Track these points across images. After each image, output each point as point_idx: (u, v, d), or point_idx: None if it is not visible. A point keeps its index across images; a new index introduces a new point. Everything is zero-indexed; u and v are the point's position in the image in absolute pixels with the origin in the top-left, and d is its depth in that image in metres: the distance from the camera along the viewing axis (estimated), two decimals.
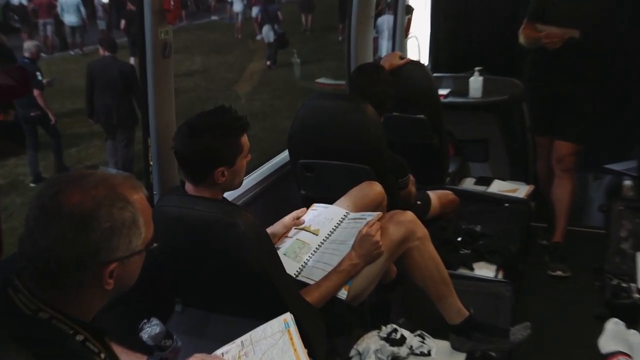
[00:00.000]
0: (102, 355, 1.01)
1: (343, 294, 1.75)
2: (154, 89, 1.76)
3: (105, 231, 0.96)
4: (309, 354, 1.36)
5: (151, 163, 1.82)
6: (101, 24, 10.96)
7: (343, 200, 2.05)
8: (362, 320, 1.85)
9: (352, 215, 1.97)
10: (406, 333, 1.88)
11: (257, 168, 2.53)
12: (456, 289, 1.97)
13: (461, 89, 3.44)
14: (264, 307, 1.48)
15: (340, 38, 10.36)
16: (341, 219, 1.96)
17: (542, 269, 2.92)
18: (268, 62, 9.46)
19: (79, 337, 0.98)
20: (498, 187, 3.09)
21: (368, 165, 2.15)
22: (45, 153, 5.48)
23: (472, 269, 2.41)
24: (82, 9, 9.71)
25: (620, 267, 2.50)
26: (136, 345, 1.30)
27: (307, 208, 2.05)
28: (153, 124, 1.79)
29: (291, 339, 1.36)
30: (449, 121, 2.98)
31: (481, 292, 2.23)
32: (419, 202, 2.51)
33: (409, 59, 2.84)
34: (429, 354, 1.85)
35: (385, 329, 1.89)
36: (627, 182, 3.12)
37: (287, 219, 1.98)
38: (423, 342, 1.87)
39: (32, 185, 5.14)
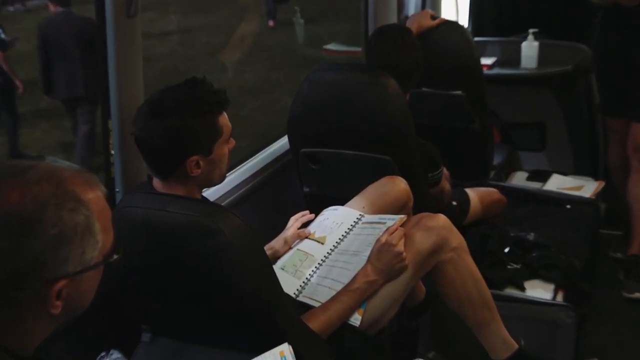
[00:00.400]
0: None
1: (356, 319, 1.75)
2: (116, 57, 1.76)
3: (52, 239, 0.96)
4: None
5: (112, 152, 1.83)
6: None
7: (357, 199, 2.05)
8: (380, 353, 1.85)
9: (369, 218, 1.97)
10: None
11: (247, 159, 2.54)
12: (502, 314, 1.97)
13: (511, 57, 3.43)
14: (255, 336, 1.49)
15: None
16: (354, 223, 1.96)
17: (615, 289, 2.91)
18: (271, 22, 9.39)
19: None
20: (557, 183, 3.08)
21: (389, 156, 2.15)
22: None
23: (522, 289, 2.40)
24: None
25: None
26: None
27: (311, 211, 2.06)
28: (115, 102, 1.80)
29: None
30: (495, 99, 2.97)
31: (535, 319, 2.23)
32: (454, 203, 2.51)
33: (443, 19, 2.83)
34: None
35: None
36: None
37: (289, 233, 1.98)
38: None
39: None
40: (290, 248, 1.95)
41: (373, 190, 2.06)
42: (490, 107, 2.89)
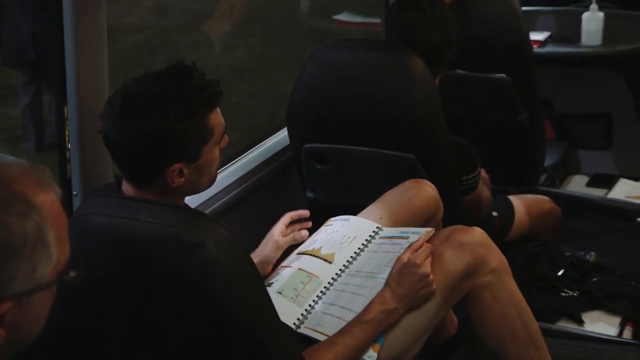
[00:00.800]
0: None
1: (371, 357, 1.76)
2: (74, 27, 1.77)
3: None
4: None
5: (69, 146, 1.84)
6: None
7: (373, 208, 2.07)
8: None
9: (387, 232, 1.99)
10: None
11: (238, 156, 2.56)
12: (553, 354, 1.97)
13: (568, 31, 3.44)
14: None
15: None
16: (369, 238, 1.98)
17: None
18: None
19: None
20: (626, 190, 3.09)
21: (413, 154, 2.17)
22: None
23: (580, 322, 2.41)
24: None
25: None
26: None
27: (315, 222, 2.07)
28: (73, 83, 1.80)
29: None
30: (548, 84, 2.98)
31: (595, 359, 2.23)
32: (494, 214, 2.52)
33: None
34: None
35: None
36: None
37: (277, 231, 1.99)
38: None
39: None
40: (289, 268, 1.95)
41: (393, 197, 2.07)
42: (541, 94, 2.90)
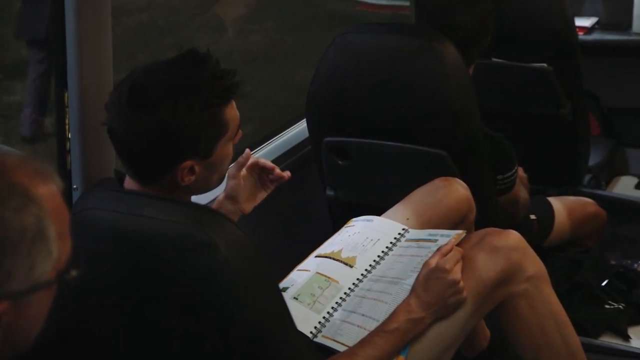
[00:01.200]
0: None
1: None
2: (76, 8, 1.78)
3: None
4: None
5: (69, 136, 1.86)
6: None
7: (399, 208, 2.07)
8: None
9: (414, 234, 1.99)
10: None
11: (252, 150, 2.56)
12: None
13: (618, 17, 3.43)
14: None
15: None
16: (394, 240, 1.98)
17: None
18: None
19: None
20: None
21: (444, 149, 2.17)
22: None
23: (626, 338, 2.40)
24: None
25: None
26: None
27: (336, 222, 2.08)
28: (74, 68, 1.82)
29: None
30: (593, 76, 2.96)
31: None
32: (532, 217, 2.52)
33: None
34: None
35: None
36: None
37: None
38: None
39: None
40: (306, 271, 1.96)
41: (421, 196, 2.08)
42: (586, 86, 2.88)
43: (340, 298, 1.89)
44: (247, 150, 1.96)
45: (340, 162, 2.34)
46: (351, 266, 1.94)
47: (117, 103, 1.60)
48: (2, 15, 6.15)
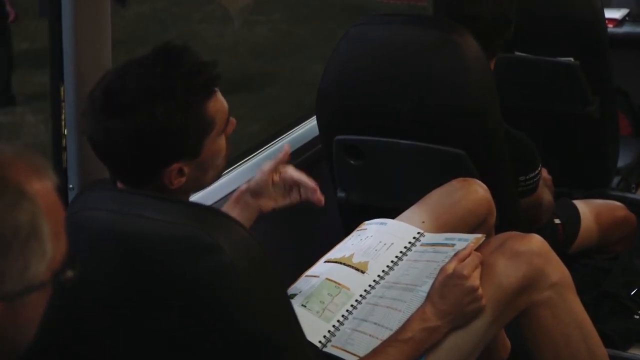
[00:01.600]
0: None
1: None
2: None
3: None
4: None
5: (65, 132, 1.87)
6: None
7: (415, 210, 2.08)
8: None
9: (430, 238, 2.00)
10: None
11: (258, 149, 2.58)
12: None
13: None
14: None
15: None
16: (409, 245, 1.99)
17: None
18: None
19: None
20: None
21: (463, 148, 2.18)
22: None
23: None
24: None
25: None
26: None
27: (348, 225, 2.09)
28: (70, 59, 1.83)
29: None
30: (624, 71, 2.96)
31: None
32: (557, 221, 2.52)
33: None
34: None
35: None
36: None
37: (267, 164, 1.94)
38: None
39: None
40: (315, 277, 1.97)
41: (438, 198, 2.09)
42: (616, 82, 2.88)
43: (351, 306, 1.89)
44: (286, 146, 1.98)
45: (352, 162, 2.35)
46: (363, 272, 1.95)
47: (92, 109, 1.61)
48: None
